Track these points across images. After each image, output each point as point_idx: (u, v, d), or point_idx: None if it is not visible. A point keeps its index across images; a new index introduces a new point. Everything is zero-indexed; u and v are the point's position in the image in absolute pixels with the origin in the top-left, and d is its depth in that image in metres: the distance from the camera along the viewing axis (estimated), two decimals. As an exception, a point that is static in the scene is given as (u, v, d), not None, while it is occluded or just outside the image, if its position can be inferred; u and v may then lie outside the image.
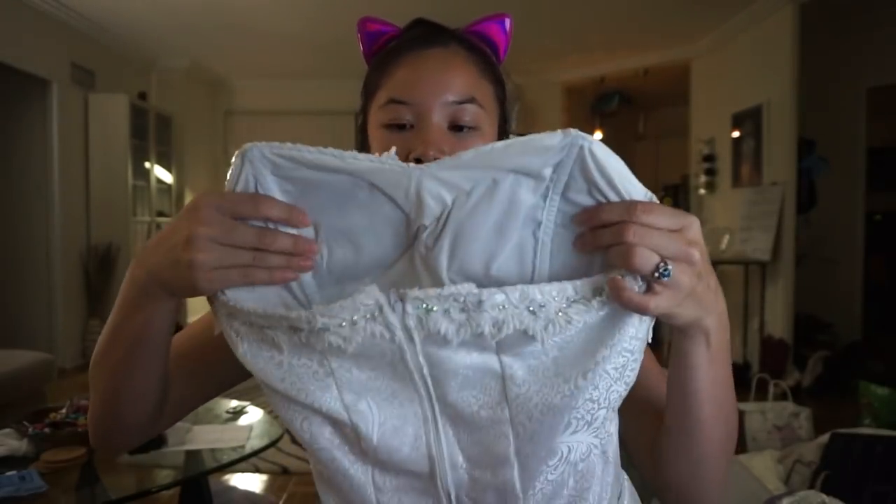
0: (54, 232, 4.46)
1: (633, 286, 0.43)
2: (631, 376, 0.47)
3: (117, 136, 4.83)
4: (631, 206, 0.44)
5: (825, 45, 4.60)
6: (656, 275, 0.43)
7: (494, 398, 0.47)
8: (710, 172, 5.25)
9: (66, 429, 1.64)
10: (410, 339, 0.45)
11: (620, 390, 0.47)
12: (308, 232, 0.48)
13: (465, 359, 0.46)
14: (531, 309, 0.44)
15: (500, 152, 0.44)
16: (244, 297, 0.47)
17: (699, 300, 0.46)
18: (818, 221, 4.69)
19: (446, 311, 0.44)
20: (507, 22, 0.70)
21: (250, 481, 2.64)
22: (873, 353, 4.19)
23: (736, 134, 4.83)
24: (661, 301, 0.43)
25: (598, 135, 7.18)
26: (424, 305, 0.44)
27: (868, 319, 4.86)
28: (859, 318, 4.85)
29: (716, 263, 4.57)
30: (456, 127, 0.64)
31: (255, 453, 1.74)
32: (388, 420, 0.48)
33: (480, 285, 0.44)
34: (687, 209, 5.65)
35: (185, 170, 5.93)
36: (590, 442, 0.49)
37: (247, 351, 0.48)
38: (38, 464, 1.54)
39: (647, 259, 0.43)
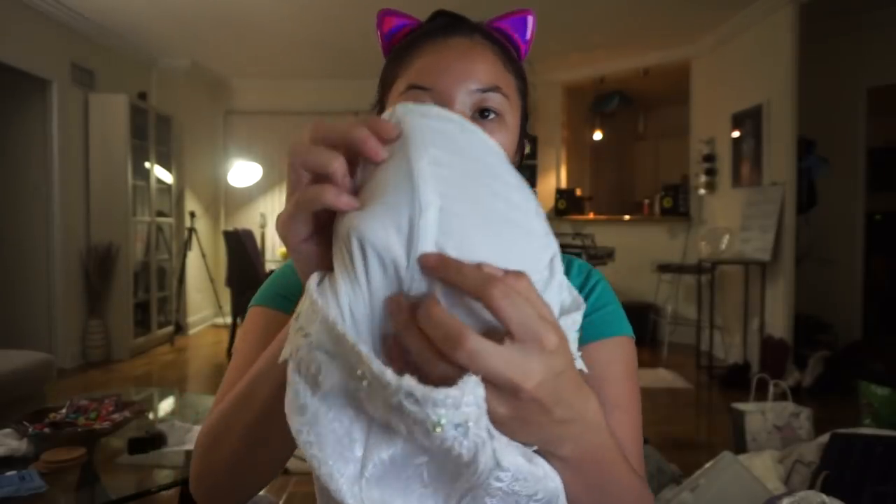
0: (54, 232, 4.46)
1: None
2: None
3: (117, 136, 4.82)
4: None
5: (825, 44, 4.61)
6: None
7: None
8: (710, 172, 5.25)
9: (65, 429, 1.64)
10: (495, 466, 0.36)
11: None
12: None
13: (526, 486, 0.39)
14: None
15: None
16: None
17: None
18: (818, 221, 4.69)
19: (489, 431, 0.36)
20: (531, 19, 0.68)
21: (250, 481, 2.64)
22: (873, 353, 4.19)
23: (736, 134, 4.83)
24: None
25: (598, 135, 7.18)
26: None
27: (868, 319, 4.86)
28: (859, 318, 4.85)
29: (716, 263, 4.57)
30: (479, 114, 0.61)
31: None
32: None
33: None
34: (687, 209, 5.67)
35: (184, 170, 5.92)
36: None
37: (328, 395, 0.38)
38: (37, 464, 1.54)
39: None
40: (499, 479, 0.37)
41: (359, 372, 0.34)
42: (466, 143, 0.41)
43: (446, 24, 0.64)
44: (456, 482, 0.39)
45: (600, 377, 0.62)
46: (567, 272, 0.71)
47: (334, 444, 0.38)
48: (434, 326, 0.33)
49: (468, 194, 0.38)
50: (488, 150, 0.42)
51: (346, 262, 0.38)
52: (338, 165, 0.39)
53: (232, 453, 0.52)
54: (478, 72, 0.60)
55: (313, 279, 0.40)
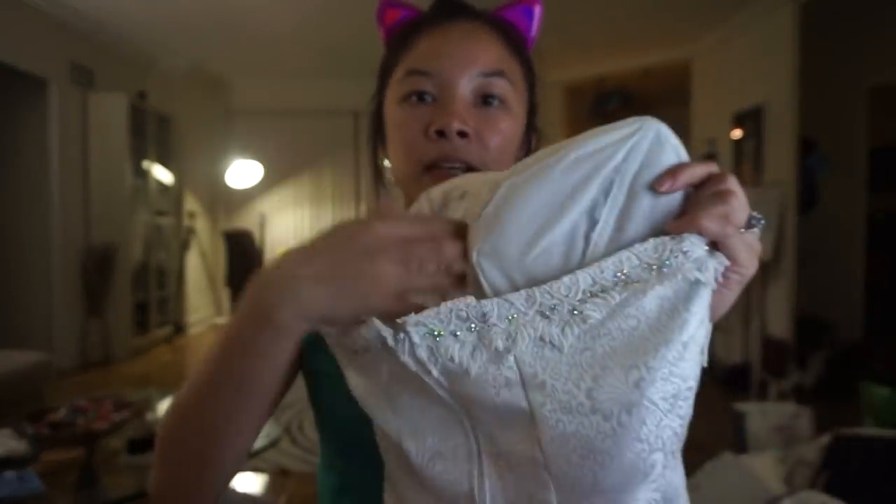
0: (53, 231, 4.45)
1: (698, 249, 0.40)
2: (685, 407, 0.39)
3: (116, 136, 4.82)
4: (714, 167, 0.43)
5: (825, 44, 4.59)
6: (752, 223, 0.42)
7: (529, 440, 0.40)
8: (711, 172, 5.25)
9: (64, 429, 1.63)
10: (428, 372, 0.40)
11: (675, 426, 0.39)
12: None
13: (493, 398, 0.40)
14: (543, 313, 0.39)
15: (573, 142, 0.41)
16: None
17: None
18: (819, 221, 4.69)
19: (453, 334, 0.39)
20: (537, 9, 0.65)
21: (250, 482, 2.64)
22: (875, 353, 4.18)
23: (736, 134, 4.83)
24: (738, 243, 0.41)
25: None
26: (427, 331, 0.39)
27: (869, 319, 4.85)
28: (861, 318, 4.84)
29: (716, 263, 4.57)
30: (483, 100, 0.58)
31: (255, 454, 1.73)
32: (437, 447, 0.43)
33: (507, 276, 0.40)
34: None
35: (184, 170, 5.92)
36: (649, 498, 0.40)
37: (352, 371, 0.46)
38: (37, 464, 1.53)
39: (745, 207, 0.42)
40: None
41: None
42: None
43: (449, 9, 0.62)
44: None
45: None
46: None
47: None
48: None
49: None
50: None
51: None
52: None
53: (203, 442, 0.50)
54: (481, 56, 0.58)
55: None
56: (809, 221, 4.57)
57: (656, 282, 0.39)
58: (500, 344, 0.39)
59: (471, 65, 0.57)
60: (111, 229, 4.83)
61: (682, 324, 0.38)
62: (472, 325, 0.39)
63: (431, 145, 0.56)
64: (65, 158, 4.53)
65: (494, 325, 0.39)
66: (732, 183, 0.42)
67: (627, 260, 0.39)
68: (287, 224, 6.74)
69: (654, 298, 0.39)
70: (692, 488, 2.00)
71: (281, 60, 5.85)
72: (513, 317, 0.39)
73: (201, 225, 6.07)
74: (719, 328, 4.82)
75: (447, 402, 0.41)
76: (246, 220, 6.56)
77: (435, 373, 0.40)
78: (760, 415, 2.76)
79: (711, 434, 3.42)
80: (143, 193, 5.20)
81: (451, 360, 0.39)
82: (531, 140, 0.65)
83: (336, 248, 0.43)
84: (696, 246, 0.40)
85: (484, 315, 0.39)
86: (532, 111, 0.65)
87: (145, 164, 5.20)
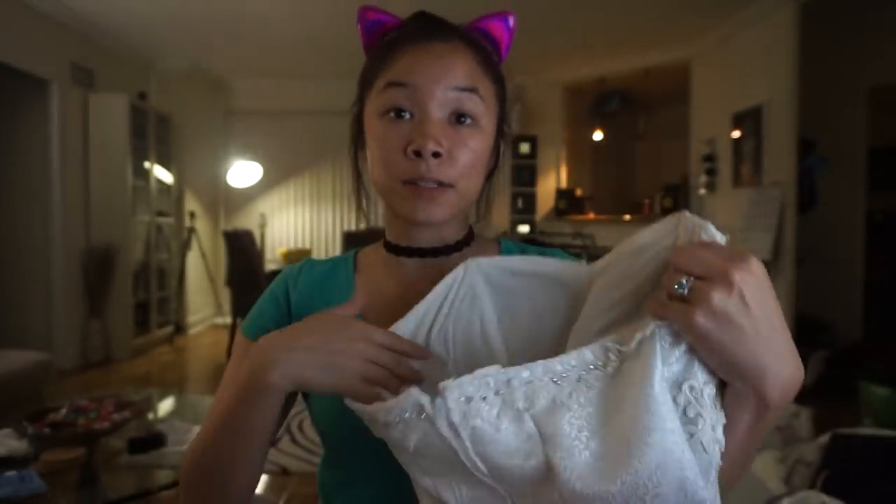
0: (54, 232, 4.46)
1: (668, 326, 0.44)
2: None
3: (117, 136, 4.82)
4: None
5: (825, 44, 4.60)
6: (675, 287, 0.43)
7: (550, 489, 0.44)
8: (711, 172, 5.25)
9: (65, 429, 1.63)
10: (457, 435, 0.45)
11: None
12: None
13: (517, 461, 0.45)
14: (555, 380, 0.46)
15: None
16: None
17: (744, 334, 0.41)
18: (818, 221, 4.69)
19: (483, 397, 0.45)
20: (511, 19, 0.69)
21: (250, 481, 2.63)
22: (874, 353, 4.18)
23: (736, 134, 4.83)
24: (697, 317, 0.41)
25: (598, 135, 7.18)
26: (462, 395, 0.45)
27: (869, 319, 4.85)
28: (860, 318, 4.84)
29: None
30: (456, 119, 0.63)
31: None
32: (474, 493, 0.48)
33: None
34: (687, 209, 5.64)
35: (184, 170, 5.92)
36: None
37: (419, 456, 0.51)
38: (37, 464, 1.54)
39: (672, 276, 0.43)
40: None
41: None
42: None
43: (427, 27, 0.66)
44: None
45: None
46: None
47: None
48: (708, 246, 0.44)
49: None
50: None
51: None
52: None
53: (215, 479, 0.61)
54: (456, 73, 0.63)
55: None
56: (809, 221, 4.57)
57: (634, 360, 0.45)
58: (520, 403, 0.45)
59: (445, 79, 0.62)
60: (112, 229, 4.83)
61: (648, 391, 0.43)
62: (497, 390, 0.46)
63: (409, 163, 0.62)
64: (65, 159, 4.53)
65: (515, 388, 0.46)
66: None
67: (614, 343, 0.46)
68: (287, 224, 6.75)
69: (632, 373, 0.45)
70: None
71: (281, 61, 5.85)
72: (530, 381, 0.46)
73: (201, 225, 6.07)
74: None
75: (477, 467, 0.46)
76: (246, 220, 6.56)
77: (464, 436, 0.45)
78: (760, 414, 2.75)
79: (711, 434, 3.43)
80: (143, 194, 5.21)
81: (482, 419, 0.45)
82: (500, 149, 0.72)
83: (325, 331, 0.55)
84: (662, 329, 0.45)
85: (509, 381, 0.46)
86: (502, 120, 0.71)
87: (146, 164, 5.21)
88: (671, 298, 0.43)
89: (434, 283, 0.60)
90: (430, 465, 0.49)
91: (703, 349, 0.43)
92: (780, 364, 0.43)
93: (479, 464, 0.45)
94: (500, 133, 0.71)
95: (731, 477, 0.48)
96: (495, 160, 0.72)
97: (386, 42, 0.67)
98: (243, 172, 6.19)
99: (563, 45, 5.37)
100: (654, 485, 0.40)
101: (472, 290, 0.59)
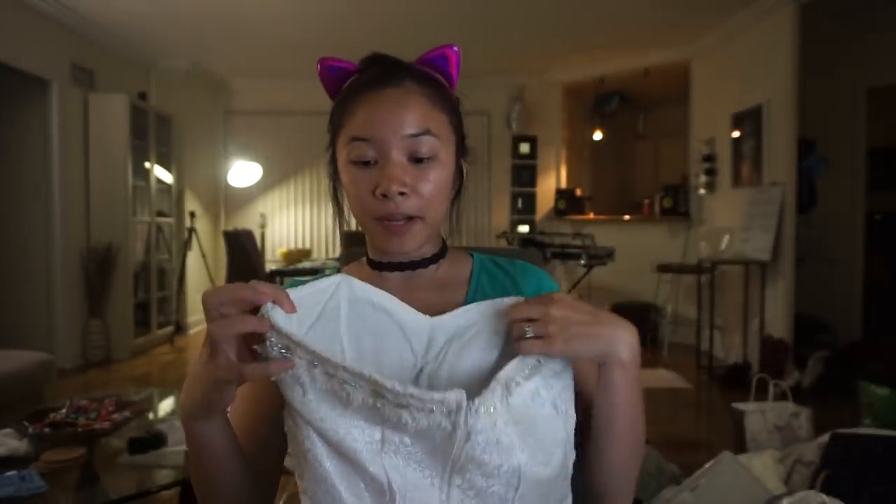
0: (54, 232, 4.46)
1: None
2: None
3: (117, 137, 4.82)
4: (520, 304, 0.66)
5: (825, 45, 4.60)
6: (525, 334, 0.61)
7: (510, 484, 0.58)
8: (710, 172, 5.25)
9: (65, 429, 1.64)
10: (468, 437, 0.55)
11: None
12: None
13: (493, 458, 0.56)
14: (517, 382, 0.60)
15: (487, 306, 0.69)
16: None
17: (585, 337, 0.61)
18: (818, 221, 4.69)
19: (496, 406, 0.56)
20: (455, 50, 0.77)
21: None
22: (873, 353, 4.19)
23: (736, 134, 4.83)
24: (548, 347, 0.60)
25: (598, 135, 7.18)
26: (489, 407, 0.56)
27: (868, 319, 4.86)
28: (859, 318, 4.84)
29: (716, 263, 4.57)
30: (415, 159, 0.71)
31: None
32: (414, 484, 0.58)
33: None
34: (687, 209, 5.67)
35: (184, 170, 5.92)
36: None
37: (312, 399, 0.58)
38: (37, 464, 1.54)
39: (518, 328, 0.62)
40: (473, 447, 0.55)
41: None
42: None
43: (380, 75, 0.73)
44: (443, 454, 0.57)
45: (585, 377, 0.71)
46: (520, 277, 0.81)
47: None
48: (530, 302, 0.65)
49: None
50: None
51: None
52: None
53: (202, 489, 0.71)
54: (409, 119, 0.70)
55: None
56: (808, 221, 4.58)
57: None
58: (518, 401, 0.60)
59: (401, 128, 0.70)
60: (112, 229, 4.83)
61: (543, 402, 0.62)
62: (503, 398, 0.58)
63: (379, 204, 0.71)
64: (66, 159, 4.53)
65: (513, 394, 0.59)
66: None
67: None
68: (287, 224, 6.75)
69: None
70: (692, 488, 1.99)
71: (281, 60, 5.85)
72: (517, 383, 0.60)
73: (201, 225, 6.07)
74: (718, 328, 4.83)
75: (443, 456, 0.57)
76: (246, 221, 6.56)
77: (473, 437, 0.56)
78: (759, 414, 2.76)
79: (711, 434, 3.43)
80: (143, 194, 5.21)
81: (489, 423, 0.56)
82: (462, 172, 0.81)
83: (194, 370, 0.63)
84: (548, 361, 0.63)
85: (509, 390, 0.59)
86: (462, 141, 0.79)
87: (146, 164, 5.21)
88: (524, 340, 0.61)
89: (416, 290, 0.77)
90: (413, 445, 0.58)
91: (572, 356, 0.62)
92: (617, 332, 0.63)
93: (461, 459, 0.56)
94: (460, 155, 0.79)
95: (633, 431, 0.68)
96: (459, 184, 0.81)
97: (345, 91, 0.75)
98: (243, 172, 6.19)
99: (563, 45, 5.37)
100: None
101: (338, 309, 0.68)
